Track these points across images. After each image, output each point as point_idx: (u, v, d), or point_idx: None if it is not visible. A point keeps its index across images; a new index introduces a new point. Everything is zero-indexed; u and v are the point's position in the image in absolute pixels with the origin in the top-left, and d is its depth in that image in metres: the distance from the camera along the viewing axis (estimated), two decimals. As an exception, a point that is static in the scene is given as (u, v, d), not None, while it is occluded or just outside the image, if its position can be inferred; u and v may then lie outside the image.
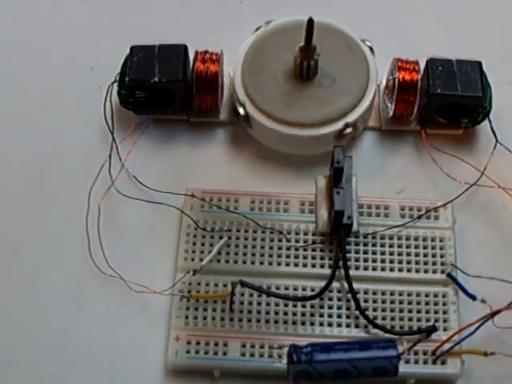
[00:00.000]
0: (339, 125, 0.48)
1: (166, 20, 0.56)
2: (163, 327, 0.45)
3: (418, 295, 0.46)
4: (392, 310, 0.45)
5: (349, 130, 0.48)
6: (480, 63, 0.50)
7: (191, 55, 0.50)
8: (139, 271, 0.46)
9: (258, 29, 0.51)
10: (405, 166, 0.51)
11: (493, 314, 0.43)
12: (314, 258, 0.46)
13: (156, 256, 0.47)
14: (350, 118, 0.48)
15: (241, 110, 0.49)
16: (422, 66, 0.50)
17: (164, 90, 0.48)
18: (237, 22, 0.53)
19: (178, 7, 0.57)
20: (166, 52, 0.48)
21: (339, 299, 0.45)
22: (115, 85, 0.49)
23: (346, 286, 0.45)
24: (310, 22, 0.46)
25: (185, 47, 0.49)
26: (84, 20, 0.56)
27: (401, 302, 0.45)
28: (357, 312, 0.45)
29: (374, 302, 0.45)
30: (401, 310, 0.45)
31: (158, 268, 0.46)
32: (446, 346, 0.44)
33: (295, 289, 0.45)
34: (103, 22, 0.56)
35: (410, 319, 0.45)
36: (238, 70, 0.49)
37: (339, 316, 0.45)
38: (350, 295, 0.45)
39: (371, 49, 0.51)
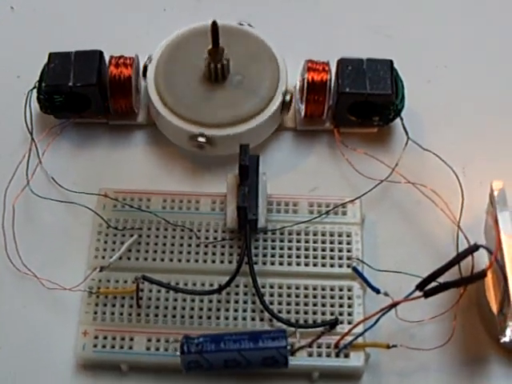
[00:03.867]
0: (249, 125, 0.49)
1: (94, 28, 0.57)
2: (75, 322, 0.46)
3: (323, 289, 0.46)
4: (297, 304, 0.46)
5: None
6: (391, 62, 0.51)
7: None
8: (54, 269, 0.48)
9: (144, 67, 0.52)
10: (319, 165, 0.52)
11: (392, 306, 0.43)
12: (222, 254, 0.47)
13: (70, 254, 0.48)
14: (260, 119, 0.50)
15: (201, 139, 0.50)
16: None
17: (80, 94, 0.50)
18: (160, 29, 0.54)
19: (107, 15, 0.58)
20: (82, 58, 0.50)
21: (245, 293, 0.46)
22: (35, 91, 0.51)
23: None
24: (214, 25, 0.47)
25: (100, 53, 0.50)
26: (11, 28, 0.58)
27: (306, 296, 0.46)
28: (261, 306, 0.46)
29: (280, 295, 0.46)
30: (305, 304, 0.46)
31: (71, 266, 0.48)
32: (349, 339, 0.45)
33: (203, 284, 0.46)
34: (30, 30, 0.57)
35: (315, 312, 0.46)
36: (151, 73, 0.51)
37: (245, 310, 0.46)
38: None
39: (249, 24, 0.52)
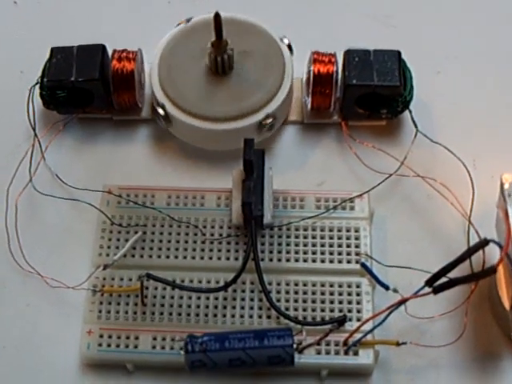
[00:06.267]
0: (254, 118, 0.49)
1: (97, 22, 0.56)
2: (79, 321, 0.45)
3: (331, 286, 0.45)
4: (304, 301, 0.45)
5: (268, 121, 0.49)
6: (399, 52, 0.50)
7: (112, 55, 0.51)
8: (58, 267, 0.47)
9: (178, 25, 0.52)
10: (326, 159, 0.51)
11: (401, 302, 0.42)
12: (228, 250, 0.47)
13: (74, 252, 0.48)
14: (265, 112, 0.49)
15: (160, 111, 0.49)
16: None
17: (83, 89, 0.49)
18: (164, 22, 0.53)
19: (109, 9, 0.57)
20: (84, 52, 0.49)
21: (252, 291, 0.45)
22: (37, 86, 0.50)
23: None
24: (217, 16, 0.46)
25: (103, 47, 0.50)
26: (14, 23, 0.57)
27: (313, 293, 0.45)
28: (268, 303, 0.45)
29: (287, 292, 0.45)
30: (313, 301, 0.45)
31: (75, 264, 0.47)
32: (358, 337, 0.44)
33: (208, 281, 0.46)
34: (33, 25, 0.57)
35: (323, 310, 0.45)
36: (154, 69, 0.50)
37: (251, 307, 0.45)
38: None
39: (290, 46, 0.51)
